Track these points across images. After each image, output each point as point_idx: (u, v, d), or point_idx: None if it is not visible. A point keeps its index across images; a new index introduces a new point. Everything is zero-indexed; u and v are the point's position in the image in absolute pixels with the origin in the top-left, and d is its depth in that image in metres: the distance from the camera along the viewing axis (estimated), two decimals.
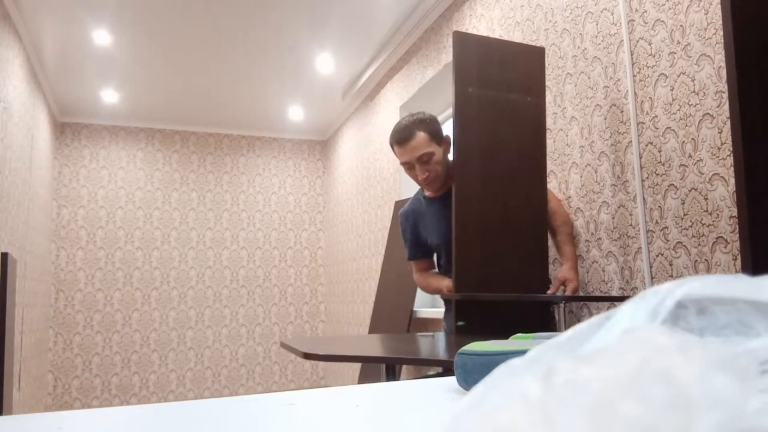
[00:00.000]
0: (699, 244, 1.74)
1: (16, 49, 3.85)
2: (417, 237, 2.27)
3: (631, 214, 2.03)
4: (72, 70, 4.71)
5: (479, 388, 0.21)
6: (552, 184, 2.43)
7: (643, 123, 1.99)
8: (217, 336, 6.08)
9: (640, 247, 1.97)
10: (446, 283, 2.13)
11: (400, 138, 2.10)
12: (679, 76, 1.84)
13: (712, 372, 0.18)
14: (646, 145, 1.97)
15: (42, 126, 4.91)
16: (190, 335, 6.00)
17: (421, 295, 3.56)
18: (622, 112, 2.09)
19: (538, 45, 2.48)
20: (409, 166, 2.13)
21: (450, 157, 2.13)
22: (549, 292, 2.06)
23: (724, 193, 1.66)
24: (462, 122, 1.99)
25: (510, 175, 2.05)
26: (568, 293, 2.05)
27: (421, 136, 2.08)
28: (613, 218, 2.12)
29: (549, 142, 2.45)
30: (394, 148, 2.15)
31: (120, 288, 5.83)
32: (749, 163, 1.06)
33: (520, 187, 2.07)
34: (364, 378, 3.88)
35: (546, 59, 2.41)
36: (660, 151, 1.91)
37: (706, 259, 1.72)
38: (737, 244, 1.62)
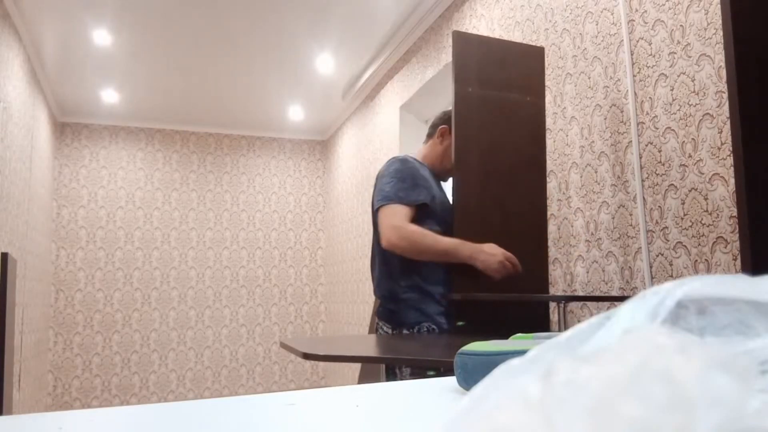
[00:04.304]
0: (699, 244, 1.74)
1: (16, 49, 3.85)
2: (429, 188, 2.00)
3: (631, 214, 2.03)
4: (72, 70, 4.71)
5: (479, 388, 0.21)
6: (552, 184, 2.43)
7: (643, 123, 1.99)
8: (217, 336, 6.08)
9: (640, 247, 1.97)
10: (468, 244, 1.82)
11: None
12: (679, 76, 1.84)
13: (712, 372, 0.18)
14: (646, 145, 1.97)
15: (42, 126, 4.91)
16: (190, 335, 6.00)
17: None
18: (622, 112, 2.09)
19: (538, 45, 2.48)
20: None
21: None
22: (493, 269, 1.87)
23: (724, 193, 1.66)
24: (462, 122, 1.99)
25: (510, 175, 2.05)
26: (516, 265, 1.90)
27: None
28: (613, 218, 2.12)
29: (549, 142, 2.45)
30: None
31: (120, 288, 5.83)
32: (749, 163, 1.06)
33: (520, 187, 2.07)
34: (364, 378, 3.88)
35: (546, 59, 2.41)
36: (660, 151, 1.91)
37: (706, 259, 1.72)
38: (737, 244, 1.62)
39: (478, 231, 1.96)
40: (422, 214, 1.96)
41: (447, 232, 1.98)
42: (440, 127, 2.15)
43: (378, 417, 0.50)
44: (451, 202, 2.14)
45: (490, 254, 1.84)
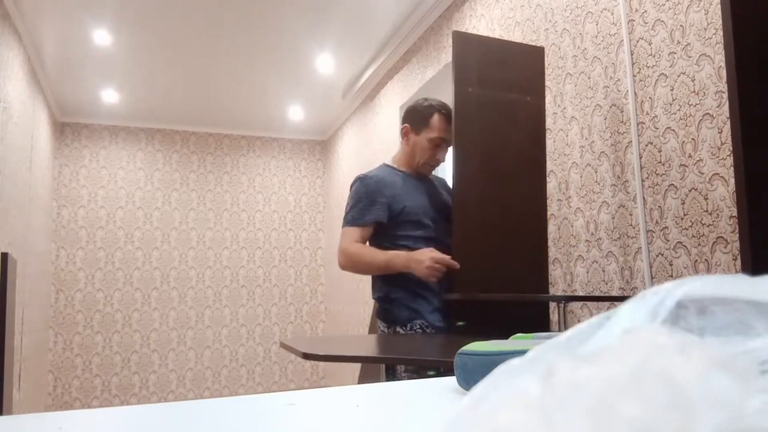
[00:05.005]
0: (699, 244, 1.74)
1: (16, 49, 3.85)
2: (390, 203, 2.02)
3: (631, 214, 2.03)
4: (72, 70, 4.71)
5: (479, 388, 0.21)
6: (552, 184, 2.43)
7: (643, 123, 1.99)
8: (217, 336, 6.07)
9: (640, 247, 1.97)
10: (404, 254, 1.91)
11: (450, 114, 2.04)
12: (679, 76, 1.84)
13: (712, 372, 0.18)
14: (646, 145, 1.97)
15: (42, 126, 4.91)
16: (190, 335, 5.99)
17: None
18: (622, 112, 2.09)
19: (538, 45, 2.48)
20: (439, 143, 2.10)
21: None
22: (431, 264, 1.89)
23: (724, 193, 1.66)
24: (462, 122, 1.99)
25: (510, 175, 2.05)
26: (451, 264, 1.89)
27: None
28: (613, 218, 2.12)
29: (549, 142, 2.45)
30: (441, 121, 2.09)
31: (120, 288, 5.83)
32: (749, 163, 1.06)
33: (520, 187, 2.07)
34: (364, 378, 3.88)
35: (546, 59, 2.41)
36: (660, 151, 1.91)
37: (706, 259, 1.72)
38: (737, 244, 1.62)
39: (478, 231, 1.97)
40: (395, 224, 2.03)
41: (427, 235, 2.02)
42: (401, 127, 2.20)
43: (378, 417, 0.50)
44: (443, 198, 2.15)
45: (418, 261, 1.90)
